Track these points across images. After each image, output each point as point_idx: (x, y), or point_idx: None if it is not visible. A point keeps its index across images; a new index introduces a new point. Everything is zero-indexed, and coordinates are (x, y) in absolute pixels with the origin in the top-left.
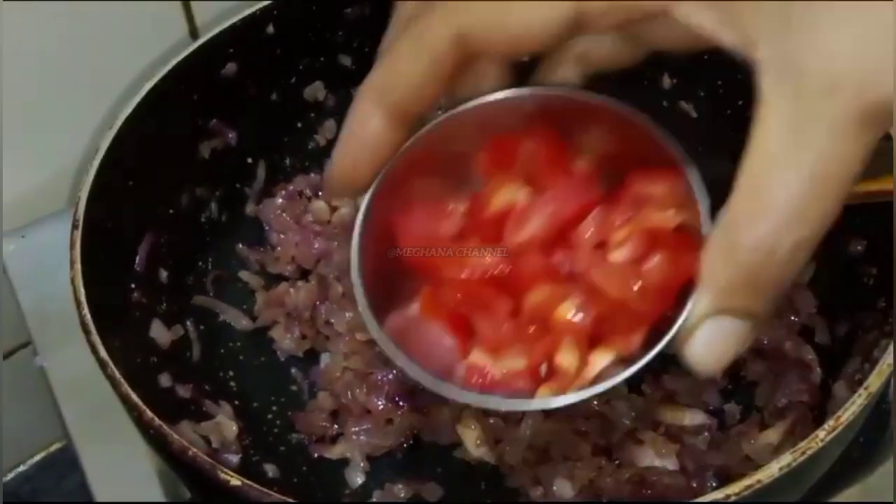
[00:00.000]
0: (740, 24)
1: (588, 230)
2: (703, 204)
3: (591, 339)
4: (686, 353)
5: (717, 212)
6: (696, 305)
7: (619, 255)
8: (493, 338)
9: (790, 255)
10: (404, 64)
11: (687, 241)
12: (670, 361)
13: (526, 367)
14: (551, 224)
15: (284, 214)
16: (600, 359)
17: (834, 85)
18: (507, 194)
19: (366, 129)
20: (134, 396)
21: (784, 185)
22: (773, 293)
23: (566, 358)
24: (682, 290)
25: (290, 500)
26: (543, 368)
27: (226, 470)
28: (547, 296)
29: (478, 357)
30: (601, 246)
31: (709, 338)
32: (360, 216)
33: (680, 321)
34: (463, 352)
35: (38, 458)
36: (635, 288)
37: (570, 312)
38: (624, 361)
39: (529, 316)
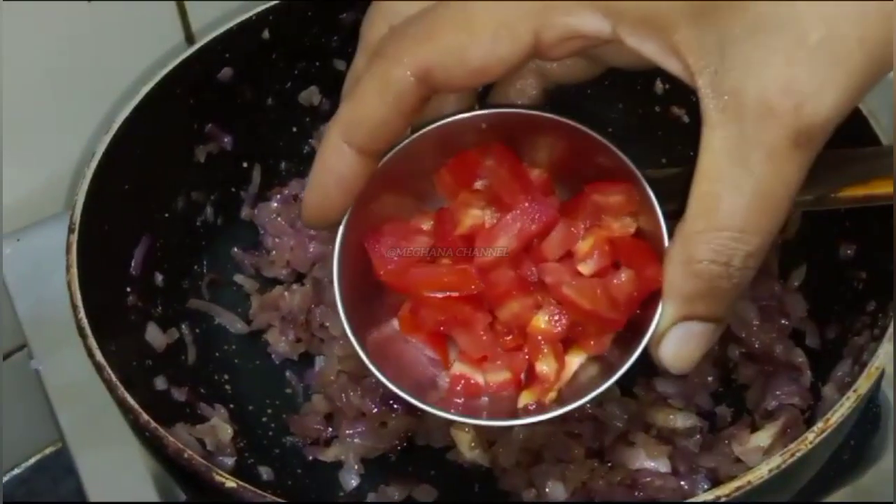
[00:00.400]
0: (680, 55)
1: (554, 243)
2: (658, 211)
3: (564, 342)
4: (658, 355)
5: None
6: (662, 314)
7: (587, 268)
8: (474, 350)
9: (743, 264)
10: (370, 101)
11: (647, 248)
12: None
13: (510, 378)
14: (519, 241)
15: (279, 218)
16: (574, 360)
17: (769, 112)
18: (475, 215)
19: (336, 162)
20: (130, 399)
21: (730, 204)
22: (732, 298)
23: (546, 365)
24: (649, 297)
25: (285, 503)
26: (523, 375)
27: (221, 472)
28: (521, 307)
29: (461, 368)
30: (568, 256)
31: (678, 341)
32: (337, 244)
33: (651, 330)
34: (444, 363)
35: (33, 460)
36: (606, 300)
37: (545, 322)
38: (596, 360)
39: (506, 327)
